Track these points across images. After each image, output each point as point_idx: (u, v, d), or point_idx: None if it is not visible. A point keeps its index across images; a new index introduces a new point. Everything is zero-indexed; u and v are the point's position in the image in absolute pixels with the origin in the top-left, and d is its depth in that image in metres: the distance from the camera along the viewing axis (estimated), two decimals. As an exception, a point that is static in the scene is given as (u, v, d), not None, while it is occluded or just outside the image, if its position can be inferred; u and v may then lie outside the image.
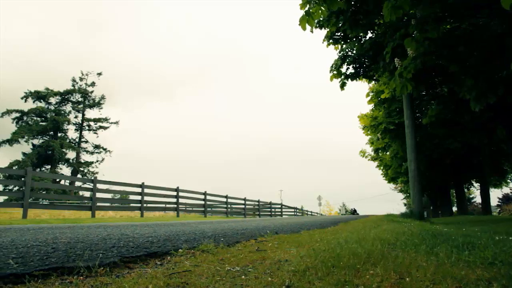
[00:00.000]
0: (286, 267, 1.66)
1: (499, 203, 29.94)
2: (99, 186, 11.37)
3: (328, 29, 7.73)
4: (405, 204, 36.70)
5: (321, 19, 7.27)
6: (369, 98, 12.62)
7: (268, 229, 4.26)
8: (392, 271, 1.61)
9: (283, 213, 26.14)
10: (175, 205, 14.31)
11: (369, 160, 19.04)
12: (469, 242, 2.29)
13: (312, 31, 7.52)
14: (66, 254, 1.69)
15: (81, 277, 1.40)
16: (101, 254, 1.72)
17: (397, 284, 1.40)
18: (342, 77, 8.01)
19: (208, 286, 1.31)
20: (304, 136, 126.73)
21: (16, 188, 24.21)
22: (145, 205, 12.65)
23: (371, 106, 14.31)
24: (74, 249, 1.85)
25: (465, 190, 23.81)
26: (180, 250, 2.11)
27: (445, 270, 1.56)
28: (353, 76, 8.10)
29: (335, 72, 7.93)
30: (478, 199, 35.75)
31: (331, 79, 7.89)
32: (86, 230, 3.45)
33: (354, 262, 1.76)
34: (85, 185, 26.41)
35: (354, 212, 40.74)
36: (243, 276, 1.47)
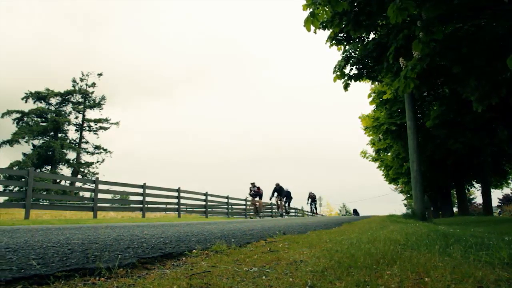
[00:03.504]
0: (304, 268, 1.67)
1: (500, 204, 30.01)
2: (100, 186, 11.37)
3: (331, 30, 7.75)
4: (405, 205, 36.76)
5: (324, 20, 7.28)
6: (371, 99, 12.64)
7: (274, 230, 4.26)
8: (409, 271, 1.62)
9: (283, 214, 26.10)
10: (177, 206, 14.32)
11: (370, 161, 19.09)
12: (481, 242, 2.30)
13: (315, 32, 7.54)
14: (84, 255, 1.70)
15: (102, 278, 1.41)
16: (119, 255, 1.73)
17: (417, 284, 1.41)
18: (346, 78, 8.02)
19: (231, 287, 1.31)
20: (304, 136, 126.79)
21: (17, 188, 24.15)
22: (146, 205, 12.65)
23: (373, 107, 14.34)
24: (90, 250, 1.85)
25: (466, 190, 23.84)
26: (194, 251, 2.11)
27: (462, 270, 1.57)
28: (356, 77, 8.12)
29: (338, 73, 7.95)
30: (478, 200, 35.84)
31: (335, 80, 7.91)
32: (94, 231, 3.45)
33: (370, 263, 1.77)
34: (85, 186, 26.39)
35: (355, 212, 39.57)
36: (263, 277, 1.48)
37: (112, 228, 4.06)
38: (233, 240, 2.79)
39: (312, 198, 22.25)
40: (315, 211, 23.12)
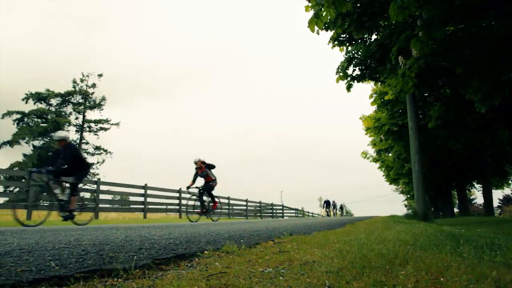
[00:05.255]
0: (318, 268, 1.68)
1: (500, 204, 30.05)
2: (102, 187, 11.35)
3: (334, 31, 7.77)
4: (405, 206, 36.76)
5: (327, 21, 7.31)
6: (372, 99, 12.66)
7: (278, 230, 4.27)
8: (424, 271, 1.63)
9: (284, 214, 26.16)
10: (178, 207, 14.32)
11: (371, 161, 19.10)
12: (491, 243, 2.30)
13: (318, 33, 7.55)
14: (99, 256, 1.70)
15: (120, 280, 1.41)
16: (134, 256, 1.73)
17: (434, 284, 1.41)
18: (349, 78, 8.05)
19: (251, 287, 1.32)
20: (304, 137, 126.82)
21: (17, 189, 24.08)
22: (147, 206, 12.64)
23: (374, 107, 14.37)
24: (104, 251, 1.86)
25: (467, 191, 23.85)
26: (205, 251, 2.12)
27: (478, 270, 1.58)
28: (359, 78, 8.14)
29: (341, 73, 7.97)
30: (478, 200, 35.88)
31: (337, 81, 7.92)
32: (102, 232, 3.45)
33: (383, 263, 1.77)
34: (86, 187, 26.26)
35: (327, 205, 27.99)
36: (280, 277, 1.49)
37: (117, 229, 4.06)
38: (242, 240, 2.80)
39: (207, 182, 9.47)
40: (207, 208, 9.76)
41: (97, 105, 36.81)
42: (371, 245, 2.32)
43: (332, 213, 28.99)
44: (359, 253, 2.00)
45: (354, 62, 7.91)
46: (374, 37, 8.16)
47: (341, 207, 31.95)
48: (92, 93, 36.60)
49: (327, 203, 28.61)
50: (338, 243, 2.83)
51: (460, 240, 2.47)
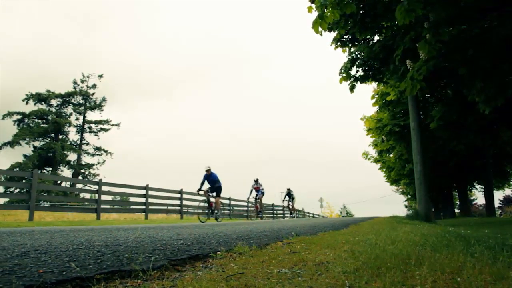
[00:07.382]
0: (334, 268, 1.68)
1: (501, 205, 30.09)
2: (103, 188, 11.35)
3: (336, 32, 7.78)
4: (406, 206, 36.77)
5: (331, 22, 7.33)
6: (374, 100, 12.67)
7: (284, 231, 4.27)
8: (439, 271, 1.64)
9: (285, 215, 26.13)
10: (179, 207, 14.33)
11: (371, 162, 19.12)
12: (502, 243, 2.31)
13: (321, 34, 7.58)
14: (116, 257, 1.70)
15: (140, 281, 1.42)
16: (151, 257, 1.74)
17: (452, 284, 1.42)
18: (352, 79, 8.06)
19: (272, 288, 1.32)
20: (305, 137, 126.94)
21: (18, 190, 24.05)
22: (148, 207, 12.65)
23: (376, 108, 14.38)
24: (120, 252, 1.86)
25: (468, 192, 23.86)
26: (218, 252, 2.13)
27: (494, 270, 1.58)
28: (362, 79, 8.16)
29: (344, 74, 7.98)
30: (479, 201, 35.91)
31: (341, 82, 7.93)
32: (109, 233, 3.45)
33: (398, 263, 1.78)
34: (87, 187, 26.25)
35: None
36: (299, 278, 1.49)
37: (124, 230, 4.06)
38: (251, 241, 2.81)
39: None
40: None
41: (98, 106, 36.85)
42: (383, 245, 2.33)
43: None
44: (372, 254, 2.01)
45: (357, 63, 7.93)
46: (377, 38, 8.18)
47: (289, 195, 18.37)
48: (93, 94, 36.64)
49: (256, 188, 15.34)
50: (347, 243, 2.83)
51: (470, 241, 2.48)
